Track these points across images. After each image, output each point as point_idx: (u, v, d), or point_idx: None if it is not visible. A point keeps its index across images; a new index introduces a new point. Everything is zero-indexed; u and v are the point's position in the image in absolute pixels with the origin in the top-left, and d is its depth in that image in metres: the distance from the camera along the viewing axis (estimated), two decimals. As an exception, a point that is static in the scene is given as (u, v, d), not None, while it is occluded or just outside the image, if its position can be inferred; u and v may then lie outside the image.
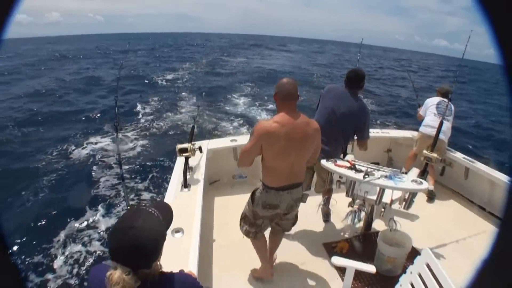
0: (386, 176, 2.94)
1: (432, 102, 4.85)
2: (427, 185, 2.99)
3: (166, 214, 1.36)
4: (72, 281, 4.58)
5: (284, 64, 33.35)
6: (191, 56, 36.53)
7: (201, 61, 32.24)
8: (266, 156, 2.49)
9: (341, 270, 3.02)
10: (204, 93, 14.04)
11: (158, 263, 1.28)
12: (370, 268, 2.40)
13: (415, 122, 5.20)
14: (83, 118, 12.36)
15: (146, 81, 20.44)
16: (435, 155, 3.89)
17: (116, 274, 1.12)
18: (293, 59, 40.16)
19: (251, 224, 2.83)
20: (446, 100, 4.74)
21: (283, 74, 24.68)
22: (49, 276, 4.66)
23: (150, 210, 1.26)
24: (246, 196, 4.10)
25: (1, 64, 26.84)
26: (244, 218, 2.89)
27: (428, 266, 2.17)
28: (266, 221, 2.83)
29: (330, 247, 3.54)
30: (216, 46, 59.14)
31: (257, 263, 3.18)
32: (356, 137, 3.57)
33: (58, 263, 4.89)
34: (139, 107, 13.96)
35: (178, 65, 27.70)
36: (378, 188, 3.03)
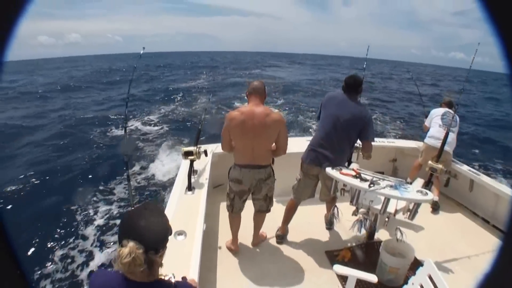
0: (391, 186, 2.94)
1: (437, 113, 4.85)
2: (432, 196, 2.98)
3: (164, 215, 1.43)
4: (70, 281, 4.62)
5: (295, 76, 33.70)
6: (203, 71, 37.08)
7: (214, 75, 32.74)
8: (232, 138, 3.13)
9: (343, 279, 3.01)
10: (211, 96, 14.15)
11: (162, 260, 1.34)
12: (372, 278, 2.40)
13: (421, 132, 5.20)
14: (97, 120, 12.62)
15: (159, 90, 20.88)
16: (440, 166, 3.88)
17: (128, 247, 1.18)
18: (305, 73, 40.49)
19: (228, 198, 3.39)
20: (451, 111, 4.74)
21: (294, 85, 24.96)
22: (47, 276, 4.69)
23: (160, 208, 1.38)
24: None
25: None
26: (227, 194, 3.40)
27: (430, 277, 2.17)
28: (237, 197, 3.33)
29: (332, 255, 3.54)
30: (230, 62, 59.96)
31: (260, 269, 3.21)
32: (360, 142, 3.53)
33: (57, 263, 4.94)
34: (149, 111, 14.28)
35: (190, 80, 28.27)
36: (383, 198, 3.03)
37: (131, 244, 1.18)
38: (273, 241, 3.75)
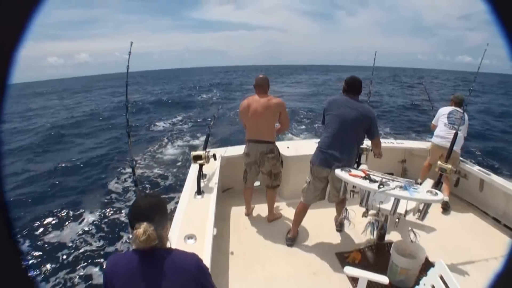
0: (401, 187, 2.93)
1: (444, 111, 4.82)
2: (442, 196, 2.96)
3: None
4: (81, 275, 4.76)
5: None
6: (213, 87, 37.39)
7: (223, 87, 33.07)
8: (243, 120, 3.94)
9: (354, 280, 3.00)
10: (220, 107, 14.27)
11: (168, 233, 1.63)
12: (383, 279, 2.39)
13: (430, 132, 5.18)
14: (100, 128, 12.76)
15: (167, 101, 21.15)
16: (449, 166, 3.85)
17: (142, 227, 1.42)
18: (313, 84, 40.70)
19: (244, 171, 4.11)
20: (459, 109, 4.70)
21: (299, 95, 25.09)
22: (59, 273, 4.83)
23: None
24: (259, 204, 4.13)
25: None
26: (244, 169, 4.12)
27: (441, 278, 2.16)
28: (248, 169, 4.05)
29: (342, 257, 3.53)
30: (239, 76, 60.34)
31: (271, 272, 3.26)
32: (369, 140, 3.56)
33: (68, 262, 5.06)
34: (155, 119, 14.46)
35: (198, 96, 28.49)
36: (393, 199, 3.02)
37: (144, 224, 1.43)
38: (283, 244, 3.75)
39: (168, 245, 1.60)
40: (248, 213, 4.35)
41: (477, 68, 4.32)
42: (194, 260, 1.60)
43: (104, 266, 1.59)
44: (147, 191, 7.15)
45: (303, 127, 13.74)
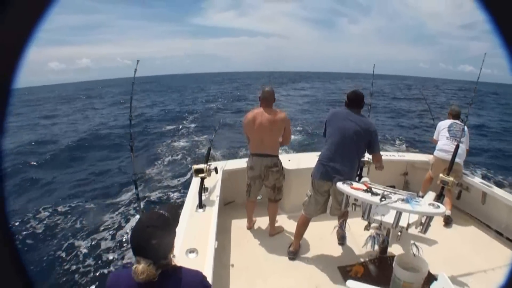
0: (403, 200, 2.93)
1: (444, 125, 4.83)
2: (444, 209, 2.96)
3: (175, 215, 1.64)
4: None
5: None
6: (216, 94, 37.72)
7: (225, 97, 33.25)
8: (247, 132, 3.91)
9: None
10: (221, 121, 14.32)
11: (172, 255, 1.56)
12: None
13: (431, 145, 5.18)
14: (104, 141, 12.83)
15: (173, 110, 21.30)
16: (451, 178, 3.85)
17: (141, 265, 1.37)
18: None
19: (247, 185, 4.09)
20: (458, 122, 4.72)
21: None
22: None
23: (161, 212, 1.53)
24: (260, 217, 4.12)
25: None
26: (247, 183, 4.10)
27: (445, 291, 2.15)
28: (252, 182, 4.03)
29: (345, 271, 3.51)
30: (241, 85, 60.85)
31: (273, 286, 3.25)
32: (370, 155, 3.60)
33: (75, 273, 5.06)
34: (157, 129, 14.50)
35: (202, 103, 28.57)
36: (395, 212, 3.02)
37: (143, 264, 1.38)
38: (285, 258, 3.73)
39: (173, 260, 1.57)
40: (250, 227, 4.34)
41: (477, 79, 4.36)
42: (198, 278, 1.59)
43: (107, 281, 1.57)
44: (154, 206, 7.14)
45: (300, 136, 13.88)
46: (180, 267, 1.58)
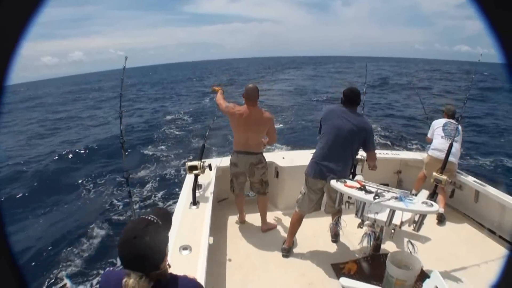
0: (396, 198, 2.94)
1: (438, 124, 4.84)
2: (437, 207, 2.97)
3: (165, 219, 1.46)
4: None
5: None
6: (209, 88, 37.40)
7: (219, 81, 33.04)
8: (233, 127, 3.94)
9: None
10: (215, 118, 14.26)
11: (166, 263, 1.42)
12: None
13: (425, 143, 5.18)
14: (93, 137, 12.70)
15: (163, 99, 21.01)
16: (445, 177, 3.85)
17: (131, 280, 1.26)
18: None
19: (231, 181, 4.16)
20: (452, 121, 4.73)
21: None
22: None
23: (149, 218, 1.36)
24: (254, 214, 4.12)
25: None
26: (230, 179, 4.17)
27: (437, 289, 2.16)
28: (234, 179, 4.11)
29: (338, 268, 3.51)
30: (235, 69, 60.37)
31: (267, 283, 3.25)
32: (365, 153, 3.58)
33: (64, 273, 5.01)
34: (148, 124, 14.39)
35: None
36: (388, 210, 3.03)
37: (132, 277, 1.27)
38: (279, 255, 3.73)
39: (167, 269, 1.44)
40: (242, 220, 4.40)
41: (473, 80, 4.40)
42: None
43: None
44: (148, 206, 7.12)
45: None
46: (176, 277, 1.46)
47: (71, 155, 11.13)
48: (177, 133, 14.21)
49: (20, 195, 8.08)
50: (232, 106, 3.89)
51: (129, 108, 20.60)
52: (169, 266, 1.45)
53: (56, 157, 10.95)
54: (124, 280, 1.28)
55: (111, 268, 1.50)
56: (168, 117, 17.46)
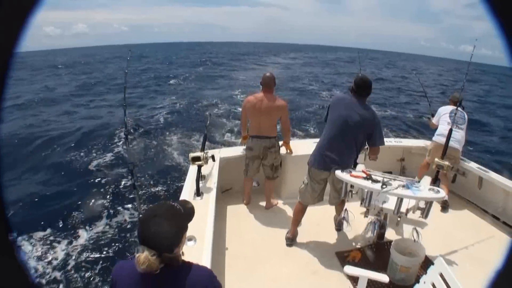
0: (403, 186, 2.93)
1: (445, 110, 4.82)
2: (444, 193, 2.97)
3: (188, 211, 1.57)
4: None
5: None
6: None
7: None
8: (248, 115, 4.20)
9: (354, 280, 3.00)
10: (215, 111, 14.12)
11: (180, 251, 1.49)
12: (383, 278, 2.40)
13: (428, 131, 5.16)
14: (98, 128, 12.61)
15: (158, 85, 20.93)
16: (446, 163, 3.83)
17: (143, 255, 1.32)
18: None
19: (245, 164, 4.38)
20: (459, 108, 4.72)
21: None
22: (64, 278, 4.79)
23: (173, 203, 1.48)
24: (258, 204, 4.13)
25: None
26: (245, 162, 4.38)
27: (441, 275, 2.17)
28: (250, 162, 4.31)
29: (342, 256, 3.53)
30: (240, 53, 59.76)
31: (270, 272, 3.27)
32: (368, 145, 3.50)
33: (73, 265, 5.03)
34: (150, 115, 14.30)
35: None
36: (395, 198, 3.02)
37: (145, 252, 1.32)
38: (283, 244, 3.75)
39: (180, 256, 1.50)
40: (248, 202, 4.59)
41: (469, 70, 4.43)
42: (206, 278, 1.54)
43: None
44: (153, 198, 7.13)
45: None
46: (190, 263, 1.52)
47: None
48: (176, 121, 14.02)
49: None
50: (246, 98, 4.20)
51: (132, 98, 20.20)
52: (183, 254, 1.51)
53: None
54: (137, 255, 1.33)
55: (126, 259, 1.54)
56: (168, 103, 17.12)
